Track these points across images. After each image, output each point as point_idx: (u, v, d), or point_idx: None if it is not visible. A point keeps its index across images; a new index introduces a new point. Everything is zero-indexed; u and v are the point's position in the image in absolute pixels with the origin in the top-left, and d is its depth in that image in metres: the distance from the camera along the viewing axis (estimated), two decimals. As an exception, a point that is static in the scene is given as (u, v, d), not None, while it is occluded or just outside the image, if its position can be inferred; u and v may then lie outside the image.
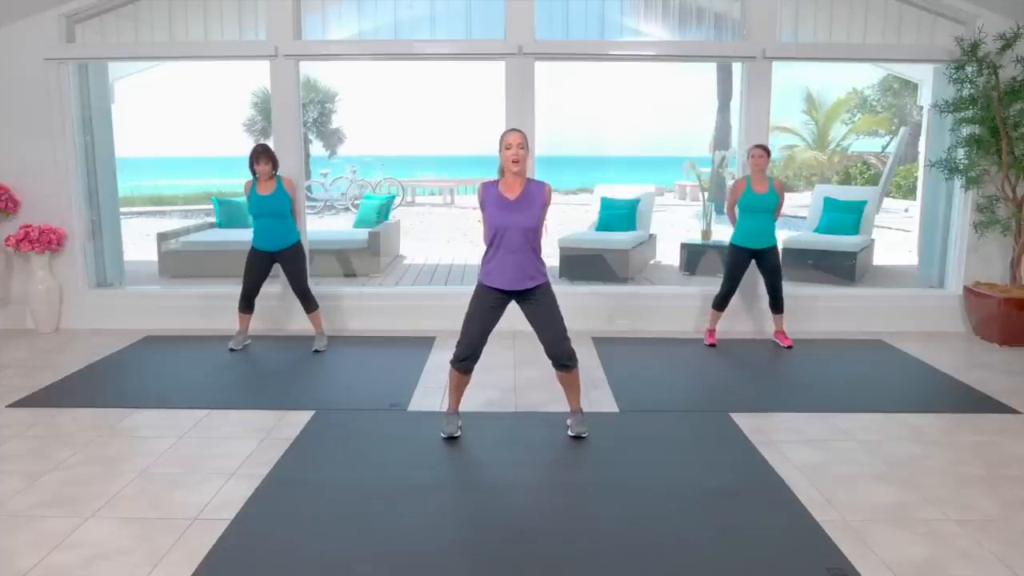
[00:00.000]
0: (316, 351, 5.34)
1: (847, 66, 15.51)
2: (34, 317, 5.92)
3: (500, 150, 3.54)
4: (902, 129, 13.90)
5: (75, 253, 5.98)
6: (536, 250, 3.61)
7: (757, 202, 5.32)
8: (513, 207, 3.52)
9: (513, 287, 3.59)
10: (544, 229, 3.72)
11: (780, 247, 5.58)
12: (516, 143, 3.47)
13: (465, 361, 3.67)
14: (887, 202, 14.48)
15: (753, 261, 5.49)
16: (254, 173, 5.20)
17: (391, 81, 51.97)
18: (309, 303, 5.42)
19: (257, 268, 5.30)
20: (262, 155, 5.15)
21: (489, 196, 3.57)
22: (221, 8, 5.88)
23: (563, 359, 3.66)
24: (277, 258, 5.31)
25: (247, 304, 5.38)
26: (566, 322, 3.69)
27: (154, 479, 3.32)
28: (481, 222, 3.71)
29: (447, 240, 12.30)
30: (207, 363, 5.10)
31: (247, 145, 22.16)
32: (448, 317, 5.60)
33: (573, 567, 2.64)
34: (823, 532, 2.86)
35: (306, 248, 6.01)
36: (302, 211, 5.78)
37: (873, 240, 8.37)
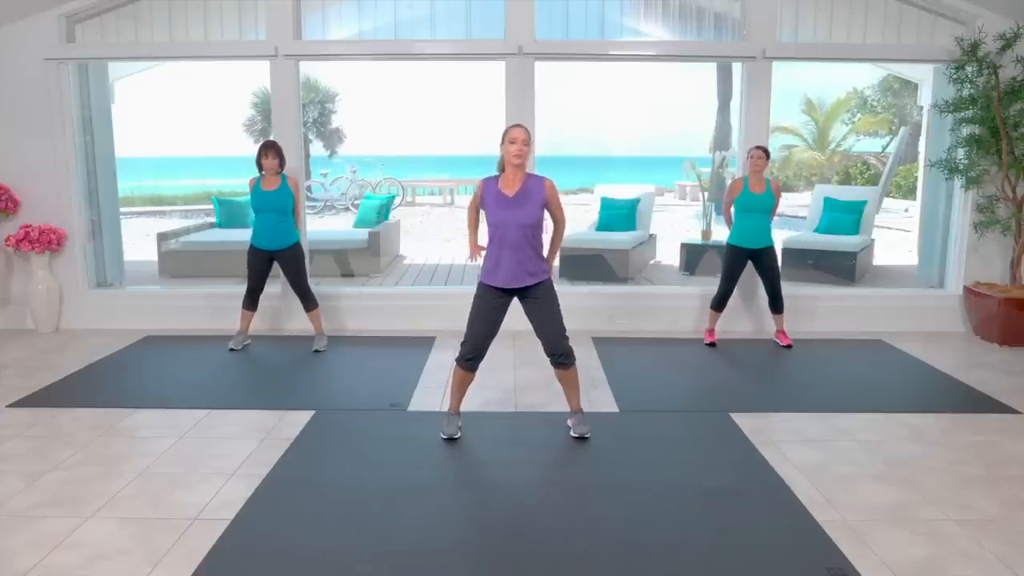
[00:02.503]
0: (316, 351, 5.33)
1: (847, 66, 15.51)
2: (34, 317, 5.92)
3: (502, 143, 3.53)
4: (902, 129, 13.92)
5: (75, 253, 5.98)
6: (536, 247, 3.60)
7: (754, 202, 5.33)
8: (512, 203, 3.52)
9: (513, 284, 3.58)
10: (558, 224, 3.70)
11: (780, 247, 5.58)
12: (521, 139, 3.47)
13: (471, 360, 3.67)
14: (887, 202, 14.49)
15: (750, 262, 5.50)
16: (260, 168, 5.20)
17: (391, 81, 51.95)
18: (309, 301, 5.42)
19: (258, 267, 5.30)
20: (270, 149, 5.17)
21: (488, 192, 3.57)
22: (221, 8, 5.88)
23: (561, 356, 3.66)
24: (276, 257, 5.31)
25: (251, 301, 5.38)
26: (566, 322, 3.69)
27: (154, 479, 3.32)
28: (469, 222, 3.77)
29: (447, 240, 12.30)
30: (207, 363, 5.10)
31: (247, 145, 22.21)
32: (448, 317, 5.61)
33: (573, 567, 2.64)
34: (823, 532, 2.85)
35: (306, 248, 6.02)
36: (303, 211, 5.78)
37: (873, 240, 8.37)
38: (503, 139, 3.54)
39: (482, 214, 3.68)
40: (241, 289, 5.39)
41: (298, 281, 5.36)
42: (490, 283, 3.60)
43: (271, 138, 5.44)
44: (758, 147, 5.37)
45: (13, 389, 4.53)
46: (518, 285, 3.59)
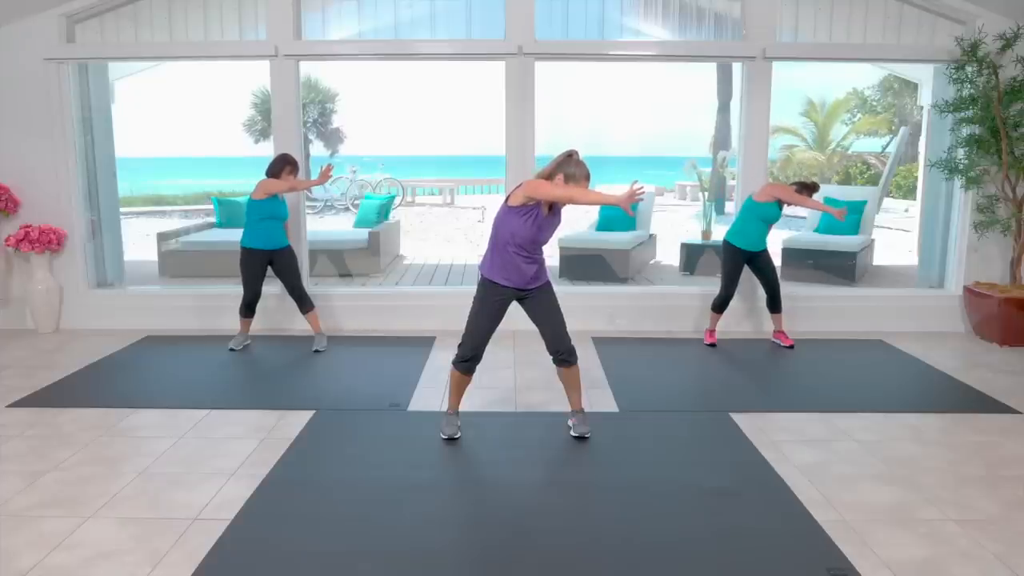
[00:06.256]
0: (316, 351, 5.33)
1: (847, 66, 15.50)
2: (34, 317, 5.92)
3: (565, 171, 3.40)
4: (902, 129, 13.92)
5: (75, 253, 5.98)
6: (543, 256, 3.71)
7: (777, 216, 5.37)
8: (547, 222, 3.55)
9: (527, 286, 3.63)
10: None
11: (780, 247, 5.57)
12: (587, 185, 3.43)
13: (468, 362, 3.67)
14: (887, 202, 14.49)
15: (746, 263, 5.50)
16: (274, 177, 5.23)
17: (391, 81, 52.01)
18: (305, 303, 5.41)
19: (258, 270, 5.27)
20: (295, 166, 5.28)
21: (540, 207, 3.52)
22: (221, 8, 5.88)
23: (564, 353, 3.67)
24: (274, 257, 5.30)
25: (250, 310, 5.37)
26: (566, 322, 3.71)
27: (154, 479, 3.32)
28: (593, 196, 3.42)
29: (447, 240, 12.31)
30: (207, 363, 5.10)
31: (247, 145, 22.17)
32: (448, 317, 5.60)
33: (573, 567, 2.64)
34: (823, 532, 2.85)
35: (306, 249, 6.03)
36: (303, 212, 5.80)
37: (873, 240, 8.37)
38: (568, 173, 3.39)
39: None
40: (241, 289, 5.36)
41: (295, 283, 5.35)
42: (499, 281, 3.60)
43: (286, 152, 5.42)
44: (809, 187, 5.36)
45: (13, 389, 4.53)
46: (531, 286, 3.63)
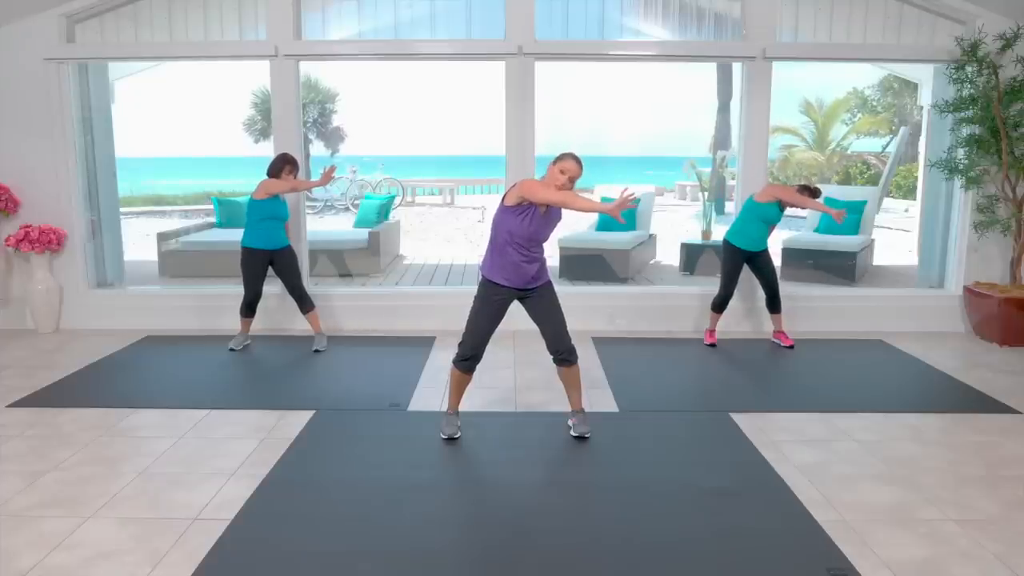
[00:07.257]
0: (316, 351, 5.33)
1: (847, 66, 15.50)
2: (34, 317, 5.91)
3: (554, 165, 3.48)
4: (902, 129, 13.92)
5: (75, 253, 5.98)
6: (543, 255, 3.70)
7: (778, 217, 5.36)
8: (544, 220, 3.55)
9: (527, 286, 3.64)
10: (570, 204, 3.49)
11: (780, 247, 5.57)
12: (572, 176, 3.46)
13: (468, 360, 3.67)
14: (887, 202, 14.49)
15: (746, 263, 5.50)
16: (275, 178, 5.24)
17: (391, 81, 52.03)
18: (306, 303, 5.42)
19: (259, 270, 5.27)
20: (295, 165, 5.29)
21: (535, 206, 3.54)
22: (221, 8, 5.88)
23: (564, 353, 3.68)
24: (275, 256, 5.30)
25: (250, 310, 5.37)
26: (566, 322, 3.71)
27: (154, 479, 3.32)
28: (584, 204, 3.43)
29: (447, 240, 12.31)
30: (207, 363, 5.10)
31: (247, 145, 22.16)
32: (448, 317, 5.60)
33: (573, 567, 2.64)
34: (823, 532, 2.85)
35: (306, 248, 6.03)
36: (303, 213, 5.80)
37: (873, 240, 8.37)
38: (556, 162, 3.48)
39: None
40: (241, 289, 5.37)
41: (295, 282, 5.35)
42: (499, 281, 3.60)
43: (286, 152, 5.42)
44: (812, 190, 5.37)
45: (13, 389, 4.53)
46: (532, 286, 3.64)
